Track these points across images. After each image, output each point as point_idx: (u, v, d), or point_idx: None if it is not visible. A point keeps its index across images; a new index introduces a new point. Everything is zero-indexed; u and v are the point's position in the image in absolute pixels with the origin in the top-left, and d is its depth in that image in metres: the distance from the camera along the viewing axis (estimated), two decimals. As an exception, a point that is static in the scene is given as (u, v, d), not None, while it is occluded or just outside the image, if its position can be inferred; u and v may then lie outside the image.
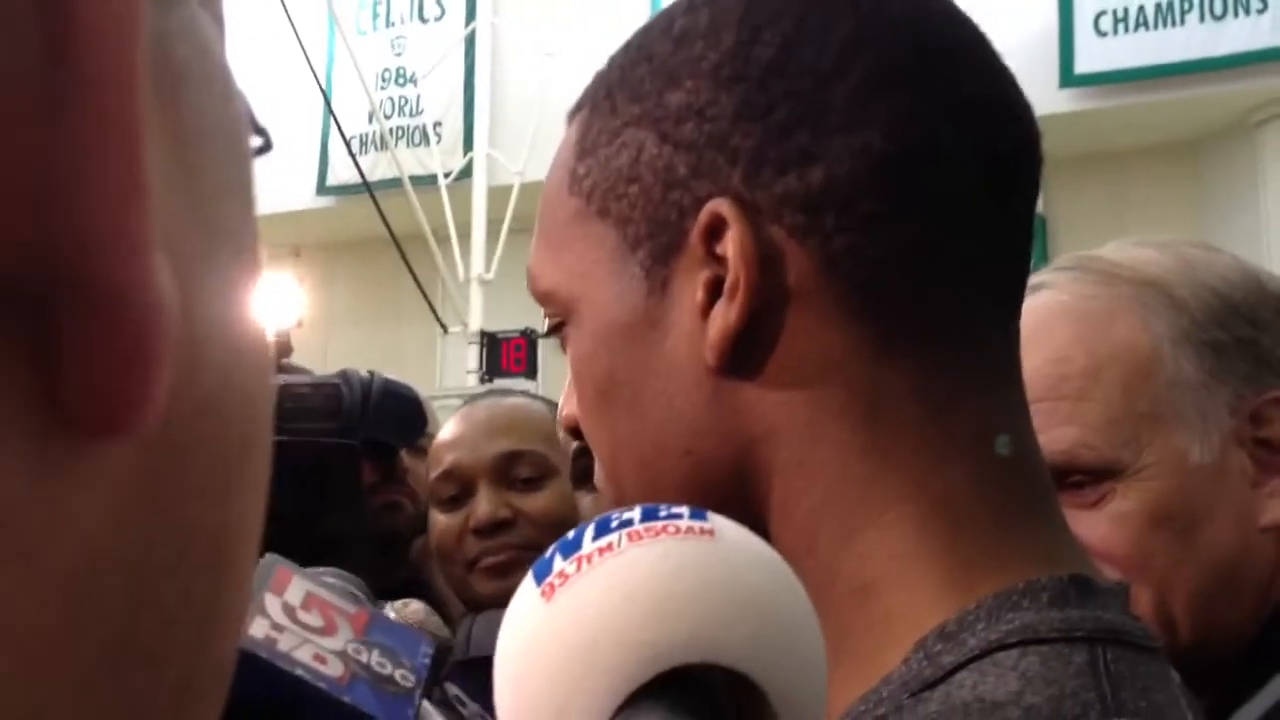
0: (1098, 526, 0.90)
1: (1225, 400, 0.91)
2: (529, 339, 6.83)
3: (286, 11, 6.29)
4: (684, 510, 0.45)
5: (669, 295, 0.58)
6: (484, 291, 7.32)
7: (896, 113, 0.55)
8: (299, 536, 1.54)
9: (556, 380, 7.09)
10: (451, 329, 7.24)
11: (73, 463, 0.17)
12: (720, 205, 0.55)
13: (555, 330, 0.63)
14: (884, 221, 0.55)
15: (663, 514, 0.45)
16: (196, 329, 0.20)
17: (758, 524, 0.57)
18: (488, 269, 7.31)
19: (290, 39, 6.44)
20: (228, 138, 0.22)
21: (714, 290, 0.56)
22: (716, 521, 0.45)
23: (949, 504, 0.55)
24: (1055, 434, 0.88)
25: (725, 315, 0.56)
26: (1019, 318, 0.60)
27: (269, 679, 0.63)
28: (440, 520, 1.56)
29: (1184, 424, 0.91)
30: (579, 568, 0.44)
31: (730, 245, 0.55)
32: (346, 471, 1.51)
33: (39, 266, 0.16)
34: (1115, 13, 6.86)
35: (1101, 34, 6.83)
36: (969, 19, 0.59)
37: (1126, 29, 6.85)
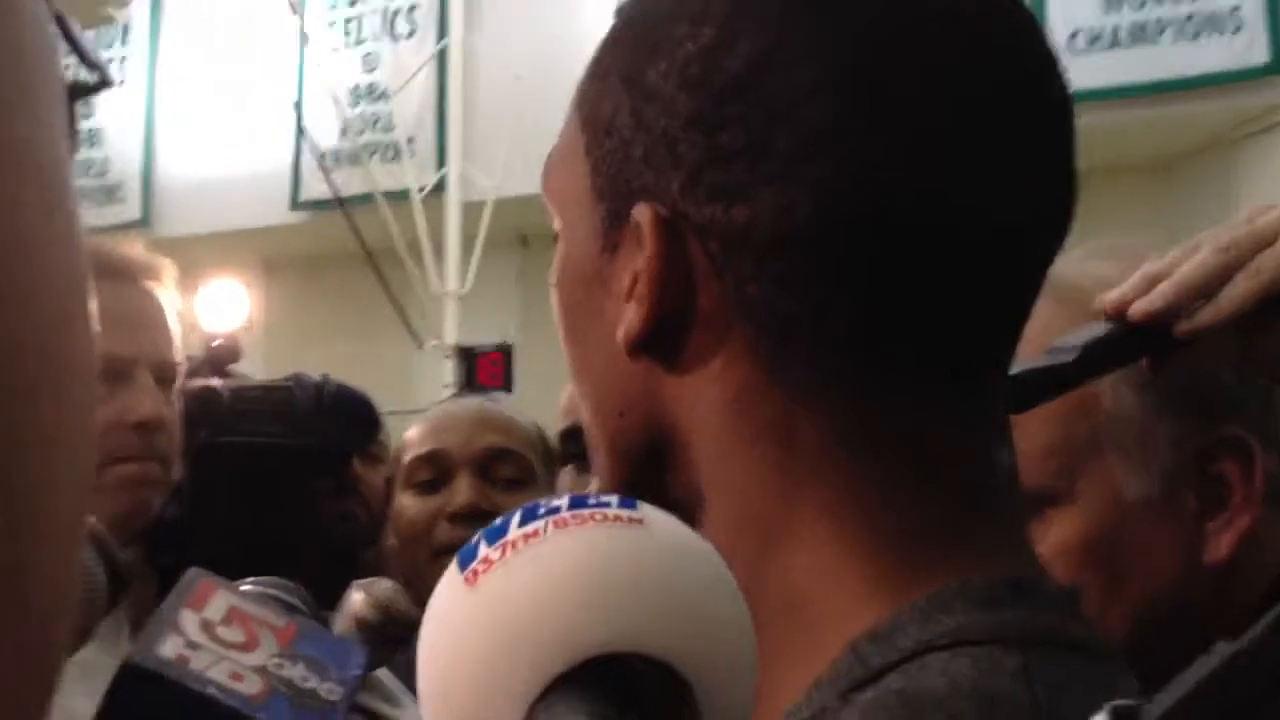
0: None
1: (1168, 435, 0.89)
2: (505, 353, 6.80)
3: (257, 27, 6.28)
4: (613, 499, 0.45)
5: (615, 261, 0.57)
6: (459, 306, 7.31)
7: (831, 178, 0.52)
8: (248, 540, 1.52)
9: (533, 394, 7.07)
10: (427, 344, 7.22)
11: None
12: (643, 215, 0.55)
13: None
14: (797, 282, 0.53)
15: (591, 502, 0.45)
16: None
17: (686, 503, 0.57)
18: (462, 284, 7.30)
19: (262, 55, 6.43)
20: None
21: (636, 279, 0.55)
22: (646, 511, 0.45)
23: (869, 521, 0.53)
24: None
25: (630, 318, 0.55)
26: (999, 350, 0.58)
27: (178, 700, 0.62)
28: (410, 503, 1.55)
29: (1122, 456, 0.89)
30: (503, 554, 0.43)
31: (642, 257, 0.55)
32: (297, 476, 1.48)
33: None
34: (1090, 31, 6.90)
35: (1076, 53, 6.85)
36: (993, 49, 0.55)
37: (1101, 48, 6.89)
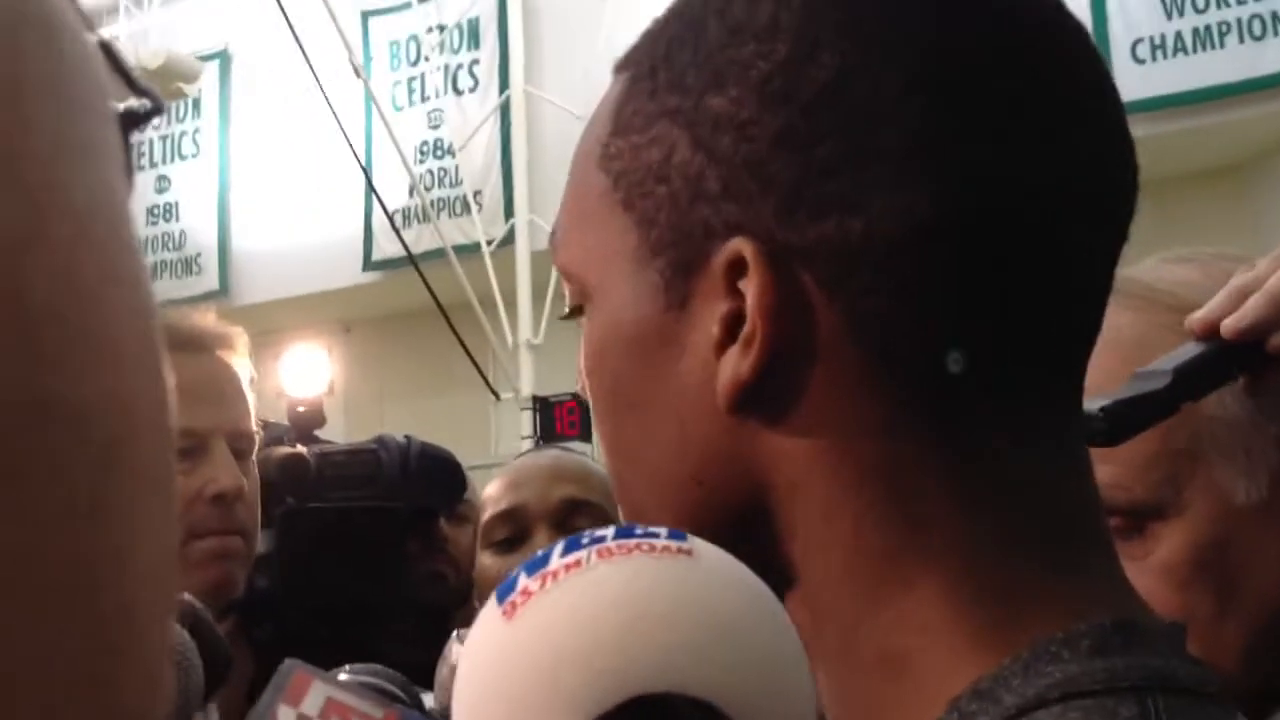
0: (1141, 579, 0.86)
1: (1273, 435, 0.86)
2: (581, 401, 6.81)
3: (324, 93, 6.38)
4: (661, 530, 0.43)
5: (687, 315, 0.54)
6: (533, 356, 7.34)
7: (942, 176, 0.50)
8: (339, 606, 1.53)
9: (611, 442, 7.04)
10: (503, 396, 7.25)
11: None
12: (745, 248, 0.51)
13: (576, 312, 0.59)
14: (916, 289, 0.51)
15: (638, 532, 0.43)
16: None
17: (770, 572, 0.53)
18: (536, 334, 7.33)
19: (329, 121, 6.53)
20: None
21: (731, 325, 0.52)
22: (695, 543, 0.43)
23: (974, 568, 0.50)
24: None
25: (737, 364, 0.52)
26: (1079, 371, 0.56)
27: None
28: (491, 563, 1.52)
29: (1228, 461, 0.86)
30: (543, 584, 0.41)
31: (750, 293, 0.51)
32: (386, 539, 1.48)
33: None
34: (1153, 39, 6.81)
35: (1140, 61, 6.77)
36: (1077, 57, 0.55)
37: (1165, 55, 6.80)
